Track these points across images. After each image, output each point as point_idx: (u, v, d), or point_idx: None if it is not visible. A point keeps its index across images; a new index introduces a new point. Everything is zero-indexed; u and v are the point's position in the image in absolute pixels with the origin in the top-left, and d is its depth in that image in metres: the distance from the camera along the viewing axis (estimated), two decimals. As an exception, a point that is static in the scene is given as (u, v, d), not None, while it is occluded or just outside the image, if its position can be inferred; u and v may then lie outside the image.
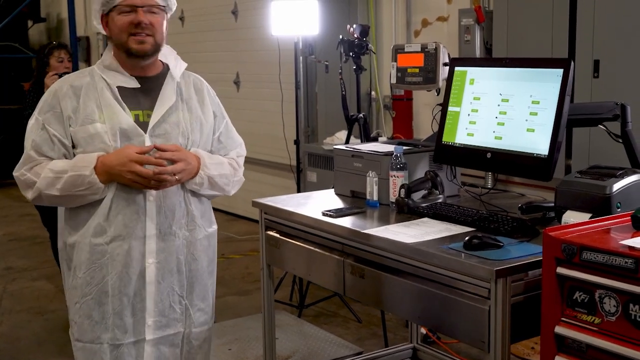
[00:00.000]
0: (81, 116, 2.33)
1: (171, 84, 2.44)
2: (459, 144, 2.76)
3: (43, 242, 6.04)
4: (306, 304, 4.73)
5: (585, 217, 2.22)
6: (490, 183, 4.52)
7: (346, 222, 2.64)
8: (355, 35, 4.30)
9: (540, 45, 4.26)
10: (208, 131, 2.50)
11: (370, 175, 2.85)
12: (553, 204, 2.44)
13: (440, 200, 2.79)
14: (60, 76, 3.56)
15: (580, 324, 1.88)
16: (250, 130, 6.85)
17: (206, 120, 2.50)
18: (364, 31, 4.35)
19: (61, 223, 2.49)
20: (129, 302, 2.38)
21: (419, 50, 3.14)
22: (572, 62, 2.47)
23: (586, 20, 4.05)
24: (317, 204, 2.94)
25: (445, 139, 2.81)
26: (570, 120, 2.52)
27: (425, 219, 2.59)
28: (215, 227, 2.59)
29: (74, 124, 2.32)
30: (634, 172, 2.34)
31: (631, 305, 1.76)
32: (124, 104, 2.36)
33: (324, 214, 2.72)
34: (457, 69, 2.82)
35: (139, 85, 2.40)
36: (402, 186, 2.73)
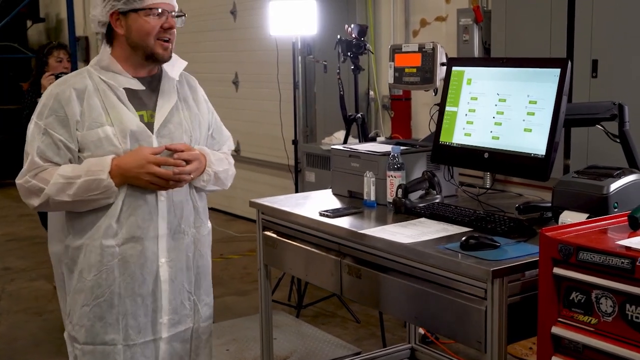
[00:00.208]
0: (88, 120, 2.27)
1: (170, 83, 2.42)
2: (457, 144, 2.76)
3: (42, 242, 5.99)
4: (304, 304, 4.73)
5: (582, 217, 2.22)
6: (489, 183, 4.52)
7: (343, 222, 2.64)
8: (354, 35, 4.31)
9: (539, 45, 4.26)
10: (205, 128, 2.51)
11: (368, 175, 2.84)
12: (550, 204, 2.44)
13: (437, 201, 2.79)
14: (56, 77, 3.56)
15: (576, 325, 1.88)
16: (248, 130, 6.83)
17: (203, 117, 2.50)
18: (362, 31, 4.35)
19: (55, 227, 2.46)
20: (142, 302, 2.36)
21: (417, 50, 3.14)
22: (570, 62, 2.46)
23: (584, 20, 4.04)
24: (315, 204, 2.94)
25: (443, 139, 2.80)
26: (567, 120, 2.51)
27: (423, 219, 2.58)
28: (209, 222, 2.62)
29: (81, 128, 2.27)
30: (632, 172, 2.34)
31: (628, 306, 1.76)
32: (130, 105, 2.33)
33: (321, 215, 2.72)
34: (454, 68, 2.82)
35: (144, 87, 2.37)
36: (399, 186, 2.73)
